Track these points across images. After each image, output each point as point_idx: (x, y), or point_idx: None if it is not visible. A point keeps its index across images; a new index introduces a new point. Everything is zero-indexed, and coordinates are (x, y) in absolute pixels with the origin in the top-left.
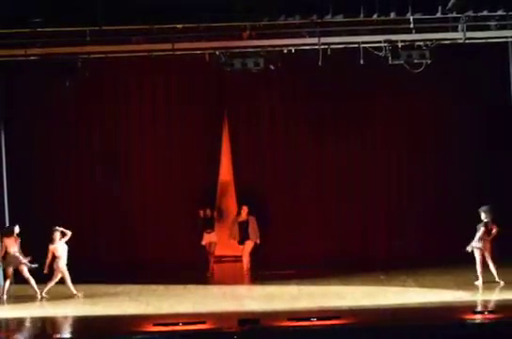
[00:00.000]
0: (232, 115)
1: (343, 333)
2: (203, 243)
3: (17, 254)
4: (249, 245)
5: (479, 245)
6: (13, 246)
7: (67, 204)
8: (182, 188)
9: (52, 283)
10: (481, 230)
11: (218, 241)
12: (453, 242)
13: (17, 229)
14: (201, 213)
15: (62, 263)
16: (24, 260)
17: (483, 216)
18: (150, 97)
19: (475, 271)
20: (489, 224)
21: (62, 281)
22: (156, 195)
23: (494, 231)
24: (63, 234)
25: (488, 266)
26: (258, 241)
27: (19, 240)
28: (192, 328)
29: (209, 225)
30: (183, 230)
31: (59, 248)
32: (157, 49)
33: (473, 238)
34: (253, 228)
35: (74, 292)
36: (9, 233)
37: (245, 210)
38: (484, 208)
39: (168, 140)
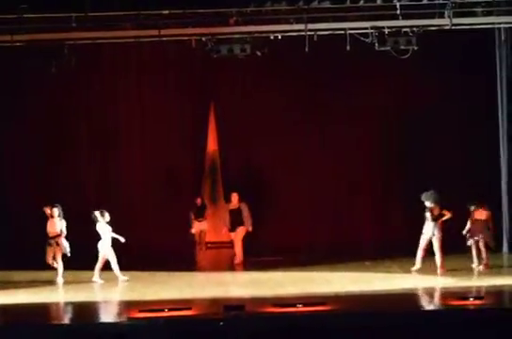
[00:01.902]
0: (218, 101)
1: (328, 319)
2: (193, 231)
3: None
4: (242, 232)
5: (427, 231)
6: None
7: (52, 189)
8: (167, 175)
9: (98, 266)
10: (429, 215)
11: (208, 229)
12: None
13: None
14: (197, 201)
15: (104, 244)
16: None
17: (427, 203)
18: (136, 84)
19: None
20: (435, 209)
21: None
22: (141, 181)
23: (448, 215)
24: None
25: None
26: (250, 229)
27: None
28: (177, 314)
29: (200, 213)
30: (168, 217)
31: (100, 228)
32: (144, 35)
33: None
34: (246, 215)
35: (120, 277)
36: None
37: (235, 197)
38: (426, 194)
39: (155, 126)
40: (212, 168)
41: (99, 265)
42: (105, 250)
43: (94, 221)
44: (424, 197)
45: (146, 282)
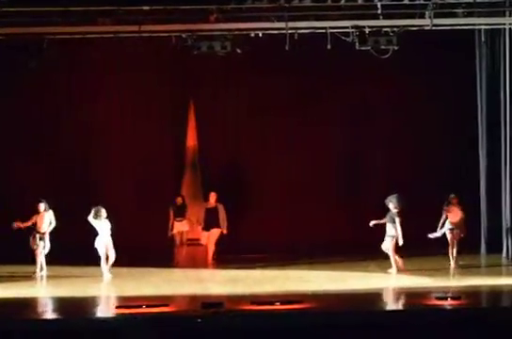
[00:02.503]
0: (197, 99)
1: (305, 317)
2: (173, 232)
3: None
4: (216, 233)
5: (394, 233)
6: None
7: (33, 187)
8: (147, 173)
9: (110, 262)
10: (397, 220)
11: (189, 228)
12: (415, 227)
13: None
14: (178, 200)
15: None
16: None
17: (392, 206)
18: (115, 81)
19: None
20: (398, 212)
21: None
22: (121, 178)
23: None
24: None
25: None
26: (225, 231)
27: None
28: (155, 310)
29: (180, 213)
30: (148, 214)
31: (96, 224)
32: (124, 31)
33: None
34: (222, 216)
35: (106, 274)
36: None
37: (213, 196)
38: (391, 198)
39: (134, 124)
40: (192, 165)
41: (109, 261)
42: (100, 246)
43: (96, 217)
44: (387, 199)
45: (124, 278)
